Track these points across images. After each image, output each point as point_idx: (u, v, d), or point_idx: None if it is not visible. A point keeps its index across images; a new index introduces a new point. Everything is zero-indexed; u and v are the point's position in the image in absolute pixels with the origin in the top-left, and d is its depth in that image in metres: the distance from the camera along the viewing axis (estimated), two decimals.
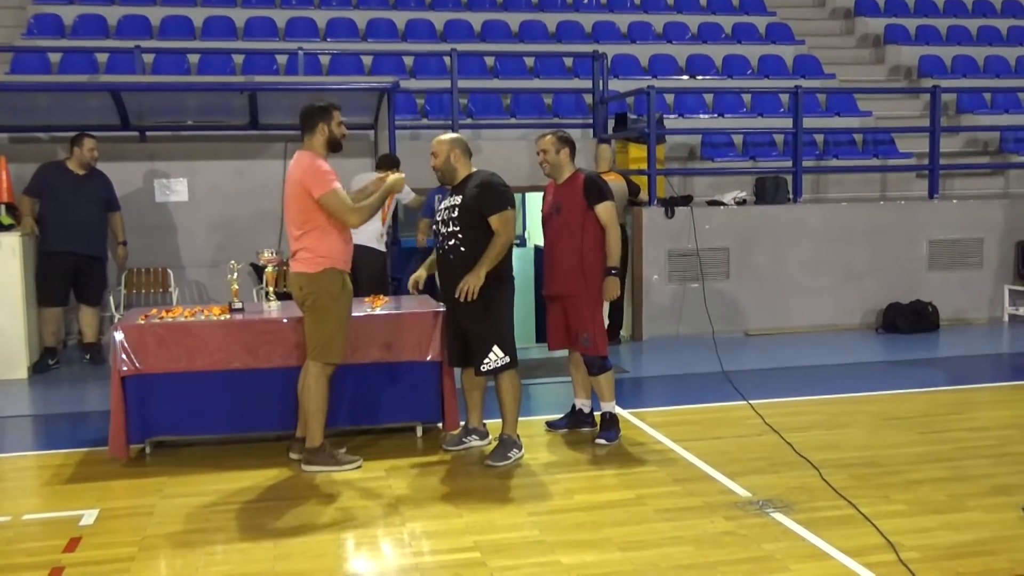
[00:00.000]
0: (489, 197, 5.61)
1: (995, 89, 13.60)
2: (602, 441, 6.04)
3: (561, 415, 6.46)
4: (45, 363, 8.43)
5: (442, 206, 5.80)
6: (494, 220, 5.58)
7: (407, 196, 8.48)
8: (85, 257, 8.49)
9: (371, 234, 7.66)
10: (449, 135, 5.84)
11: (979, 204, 10.77)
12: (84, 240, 8.44)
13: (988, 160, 12.72)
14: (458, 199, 5.66)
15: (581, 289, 5.97)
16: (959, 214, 10.53)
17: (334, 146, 5.54)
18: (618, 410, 6.28)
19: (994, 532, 4.53)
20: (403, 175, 5.91)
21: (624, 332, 9.82)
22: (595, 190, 5.98)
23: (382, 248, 7.94)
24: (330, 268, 5.46)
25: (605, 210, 5.96)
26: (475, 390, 5.96)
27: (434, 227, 5.88)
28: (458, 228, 5.61)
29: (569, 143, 6.11)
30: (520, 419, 5.86)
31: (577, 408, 6.39)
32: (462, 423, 6.14)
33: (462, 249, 5.60)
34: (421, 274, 6.07)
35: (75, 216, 8.37)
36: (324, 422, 5.59)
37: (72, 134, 8.61)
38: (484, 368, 5.64)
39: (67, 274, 8.47)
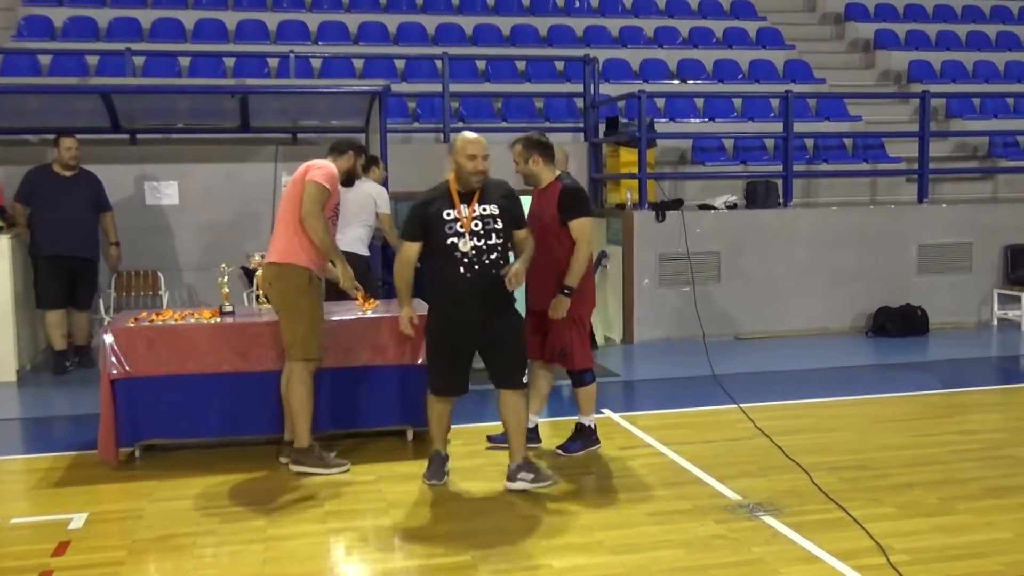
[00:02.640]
0: (568, 203, 5.44)
1: (984, 94, 13.67)
2: (560, 452, 5.84)
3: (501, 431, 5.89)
4: (62, 366, 8.40)
5: (464, 215, 5.08)
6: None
7: (385, 207, 8.24)
8: (77, 260, 8.40)
9: (353, 239, 7.65)
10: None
11: (968, 208, 10.83)
12: (74, 243, 8.36)
13: (977, 164, 12.78)
14: (494, 209, 5.14)
15: None
16: (948, 218, 10.57)
17: (347, 177, 5.92)
18: (594, 425, 5.92)
19: (984, 535, 4.54)
20: (356, 288, 5.77)
21: (612, 336, 9.83)
22: (570, 203, 5.55)
23: (365, 252, 7.93)
24: (297, 264, 5.50)
25: (579, 226, 5.53)
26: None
27: (453, 240, 5.06)
28: (500, 240, 5.13)
29: (538, 146, 5.66)
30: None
31: None
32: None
33: (501, 263, 5.15)
34: (411, 313, 5.36)
35: (64, 219, 8.29)
36: (311, 422, 5.59)
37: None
38: (526, 381, 5.44)
39: (63, 277, 8.36)
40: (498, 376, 5.28)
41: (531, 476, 5.23)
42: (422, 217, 5.15)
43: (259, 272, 6.34)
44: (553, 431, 6.26)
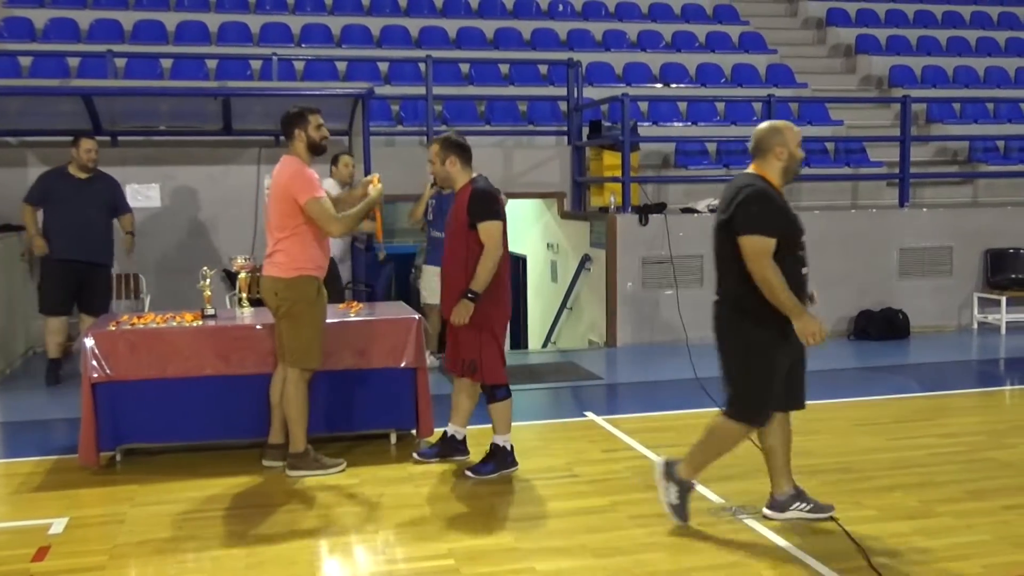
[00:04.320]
0: None
1: (964, 99, 13.77)
2: (470, 474, 5.50)
3: (432, 444, 5.97)
4: (54, 375, 8.08)
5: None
6: None
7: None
8: (87, 265, 8.02)
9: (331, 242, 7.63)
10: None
11: (949, 213, 10.90)
12: (86, 247, 7.99)
13: (957, 169, 12.86)
14: None
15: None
16: (929, 222, 10.64)
17: (315, 149, 5.54)
18: (510, 446, 5.59)
19: (965, 537, 4.57)
20: (381, 187, 5.60)
21: (595, 339, 9.84)
22: (478, 206, 5.31)
23: (334, 252, 7.94)
24: (305, 275, 5.46)
25: (485, 230, 5.28)
26: None
27: (804, 240, 4.70)
28: None
29: (456, 148, 5.45)
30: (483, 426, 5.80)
31: (449, 435, 5.83)
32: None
33: None
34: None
35: (77, 222, 7.93)
36: (306, 427, 5.59)
37: (42, 139, 8.46)
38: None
39: (69, 283, 8.02)
40: (798, 396, 4.81)
41: (808, 506, 4.75)
42: (781, 208, 4.49)
43: (242, 275, 6.33)
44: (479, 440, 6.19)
